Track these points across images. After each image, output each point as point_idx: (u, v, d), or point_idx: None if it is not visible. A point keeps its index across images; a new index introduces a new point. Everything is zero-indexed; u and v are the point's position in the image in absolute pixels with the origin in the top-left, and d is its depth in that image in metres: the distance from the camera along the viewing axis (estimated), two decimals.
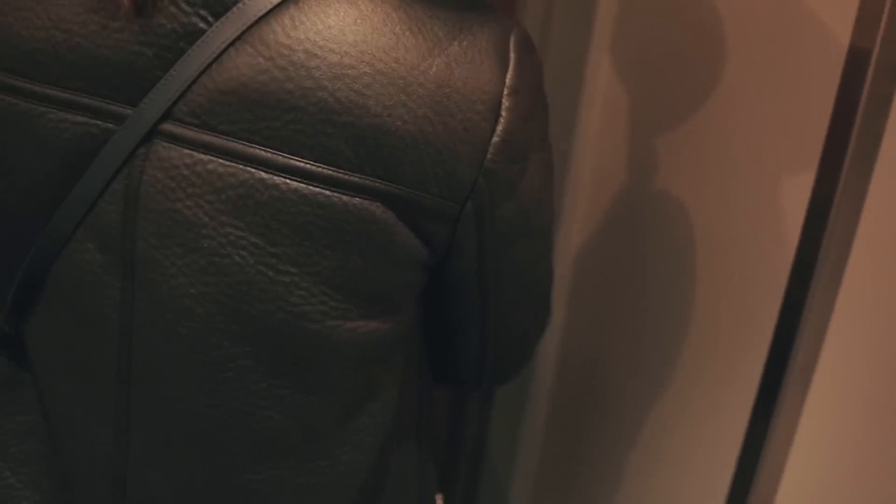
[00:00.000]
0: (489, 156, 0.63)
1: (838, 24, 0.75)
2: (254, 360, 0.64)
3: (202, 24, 0.59)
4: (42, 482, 0.72)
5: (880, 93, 0.71)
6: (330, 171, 0.60)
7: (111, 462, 0.69)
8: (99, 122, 0.61)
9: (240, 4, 0.59)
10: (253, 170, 0.60)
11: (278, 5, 0.59)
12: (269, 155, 0.60)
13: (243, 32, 0.59)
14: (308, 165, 0.60)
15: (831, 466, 0.87)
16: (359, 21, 0.60)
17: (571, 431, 1.39)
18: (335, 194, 0.60)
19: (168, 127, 0.60)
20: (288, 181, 0.60)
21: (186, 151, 0.60)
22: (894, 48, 0.71)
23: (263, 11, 0.59)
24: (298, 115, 0.59)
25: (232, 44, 0.59)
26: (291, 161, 0.60)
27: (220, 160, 0.60)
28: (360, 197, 0.61)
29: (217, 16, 0.59)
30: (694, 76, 1.03)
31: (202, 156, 0.60)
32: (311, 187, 0.60)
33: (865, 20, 0.71)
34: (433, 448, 0.86)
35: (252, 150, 0.60)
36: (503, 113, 0.62)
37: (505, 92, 0.62)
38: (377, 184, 0.61)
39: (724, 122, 0.98)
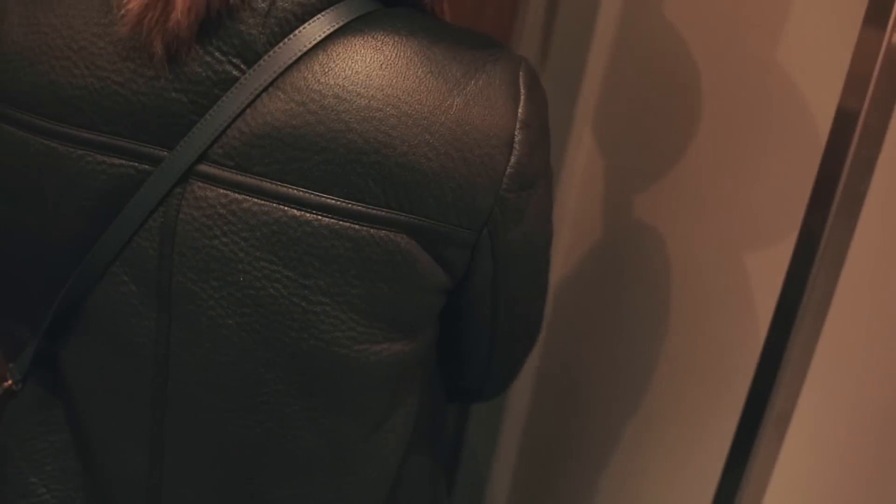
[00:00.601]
0: (504, 186, 0.67)
1: (826, 86, 0.75)
2: (287, 384, 0.68)
3: (235, 72, 0.63)
4: (76, 499, 0.75)
5: (865, 155, 0.71)
6: (359, 208, 0.64)
7: (146, 480, 0.73)
8: (136, 164, 0.64)
9: (271, 53, 0.63)
10: (286, 208, 0.63)
11: (307, 52, 0.63)
12: (301, 194, 0.63)
13: (275, 79, 0.63)
14: (339, 203, 0.63)
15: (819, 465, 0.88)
16: (384, 66, 0.64)
17: (547, 448, 1.40)
18: (364, 228, 0.64)
19: (204, 168, 0.64)
20: (320, 218, 0.64)
21: (222, 191, 0.64)
22: (882, 110, 0.71)
23: (294, 59, 0.63)
24: (329, 156, 0.63)
25: (265, 90, 0.63)
26: (323, 199, 0.63)
27: (255, 199, 0.64)
28: (386, 229, 0.64)
29: (249, 63, 0.63)
30: (678, 131, 1.03)
31: (237, 195, 0.64)
32: (341, 223, 0.64)
33: (854, 82, 0.71)
34: (444, 458, 0.90)
35: (285, 189, 0.63)
36: (516, 145, 0.67)
37: (517, 126, 0.67)
38: (402, 217, 0.65)
39: (709, 176, 0.98)
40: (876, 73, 0.70)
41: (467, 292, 0.73)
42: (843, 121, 0.71)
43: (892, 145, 0.74)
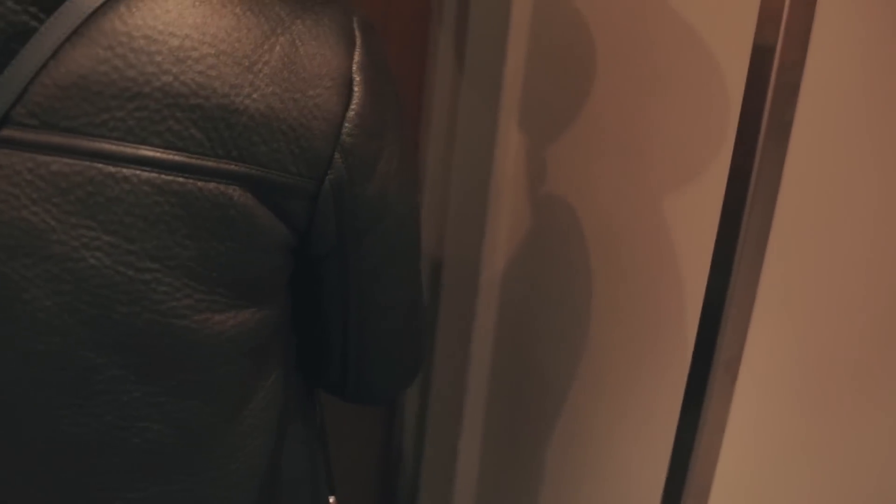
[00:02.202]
0: (345, 131, 0.63)
1: (741, 22, 0.77)
2: (123, 368, 0.61)
3: (33, 22, 0.57)
4: None
5: (787, 83, 0.72)
6: (182, 158, 0.58)
7: None
8: None
9: None
10: (100, 165, 0.57)
11: None
12: (115, 147, 0.57)
13: (79, 26, 0.57)
14: (158, 154, 0.58)
15: (762, 455, 0.88)
16: (197, 4, 0.59)
17: (507, 436, 1.39)
18: (190, 181, 0.58)
19: (6, 133, 0.57)
20: (139, 172, 0.58)
21: (27, 155, 0.57)
22: (798, 41, 0.73)
23: (99, 2, 0.57)
24: (143, 103, 0.57)
25: (68, 39, 0.57)
26: (140, 151, 0.57)
27: (65, 159, 0.57)
28: (215, 181, 0.59)
29: (48, 11, 0.57)
30: (599, 85, 1.04)
31: (44, 157, 0.57)
32: (163, 176, 0.58)
33: (767, 18, 0.72)
34: (325, 453, 0.85)
35: (97, 144, 0.57)
36: (355, 88, 0.63)
37: (354, 68, 0.63)
38: (232, 166, 0.59)
39: (636, 126, 0.99)
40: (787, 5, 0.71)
41: (313, 253, 0.68)
42: (761, 54, 0.72)
43: (813, 70, 0.75)
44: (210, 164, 0.59)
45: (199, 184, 0.59)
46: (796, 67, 0.74)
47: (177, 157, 0.58)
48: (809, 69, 0.74)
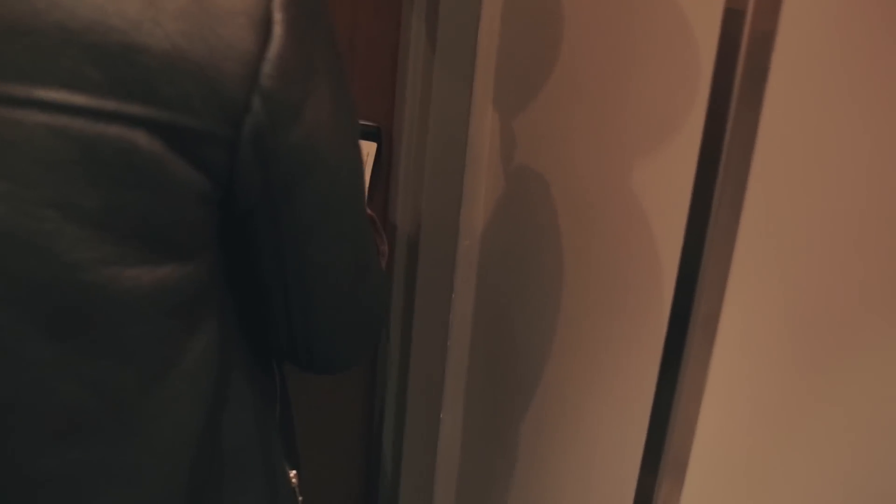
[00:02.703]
0: (263, 73, 0.57)
1: None
2: (30, 325, 0.58)
3: None
4: None
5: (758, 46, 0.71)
6: (80, 100, 0.54)
7: None
8: None
9: None
10: None
11: None
12: (5, 88, 0.53)
13: None
14: (53, 94, 0.53)
15: (742, 415, 0.87)
16: None
17: (487, 402, 1.38)
18: (89, 124, 0.54)
19: None
20: (32, 115, 0.53)
21: None
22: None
23: None
24: (35, 40, 0.53)
25: None
26: (34, 92, 0.53)
27: None
28: (118, 125, 0.55)
29: None
30: (578, 61, 1.02)
31: None
32: (60, 119, 0.54)
33: None
34: (287, 424, 0.81)
35: None
36: (274, 28, 0.57)
37: (274, 5, 0.57)
38: (135, 108, 0.55)
39: (612, 90, 0.97)
40: None
41: (239, 207, 0.63)
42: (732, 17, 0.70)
43: (785, 35, 0.73)
44: (110, 105, 0.54)
45: (100, 128, 0.54)
46: (768, 32, 0.72)
47: (73, 99, 0.53)
48: (782, 33, 0.72)
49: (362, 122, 1.33)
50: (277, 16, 0.57)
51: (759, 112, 0.77)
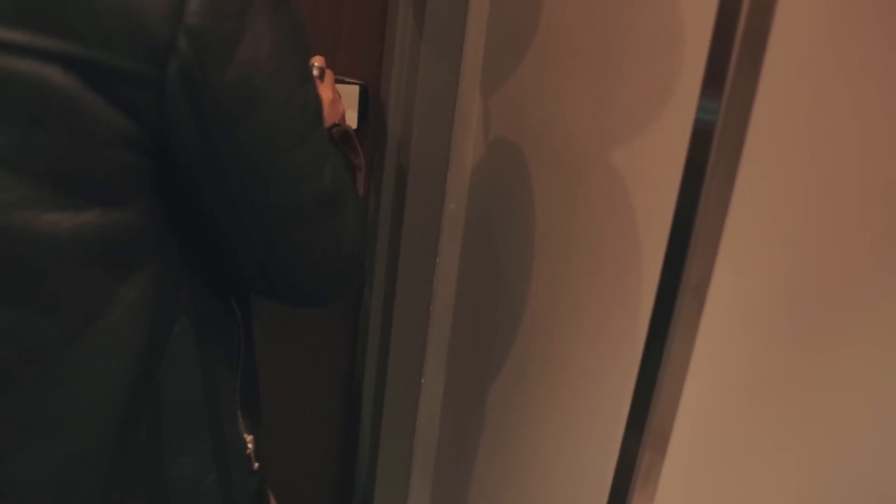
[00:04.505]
0: (189, 10, 0.55)
1: None
2: None
3: None
4: None
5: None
6: None
7: None
8: None
9: None
10: None
11: None
12: None
13: None
14: None
15: (728, 388, 0.86)
16: None
17: (469, 368, 1.37)
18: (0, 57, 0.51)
19: None
20: None
21: None
22: None
23: None
24: None
25: None
26: None
27: None
28: (30, 59, 0.52)
29: None
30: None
31: None
32: None
33: None
34: (247, 385, 0.78)
35: None
36: None
37: None
38: (48, 42, 0.52)
39: (607, 54, 0.95)
40: None
41: (175, 152, 0.61)
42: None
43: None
44: (21, 38, 0.52)
45: (10, 62, 0.52)
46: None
47: None
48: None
49: (348, 80, 1.30)
50: None
51: (757, 78, 0.75)
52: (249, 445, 0.78)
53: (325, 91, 0.96)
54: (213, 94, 0.58)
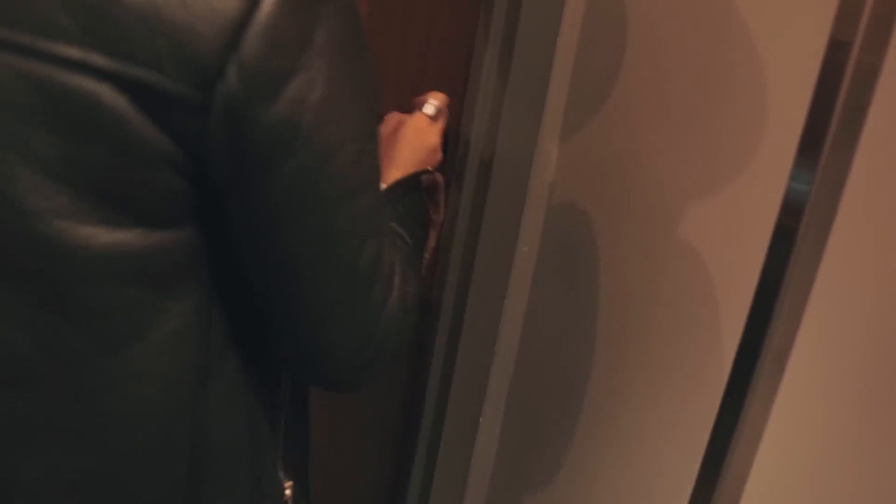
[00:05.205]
0: (245, 41, 0.55)
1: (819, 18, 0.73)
2: None
3: None
4: None
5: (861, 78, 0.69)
6: (48, 45, 0.54)
7: None
8: None
9: None
10: None
11: None
12: None
13: None
14: (24, 38, 0.53)
15: (803, 458, 0.85)
16: None
17: (529, 425, 1.36)
18: (53, 70, 0.54)
19: None
20: (1, 56, 0.54)
21: None
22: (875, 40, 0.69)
23: None
24: None
25: None
26: (5, 34, 0.54)
27: None
28: (82, 75, 0.54)
29: None
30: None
31: None
32: (27, 62, 0.54)
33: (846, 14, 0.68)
34: (291, 432, 0.77)
35: None
36: None
37: None
38: (101, 60, 0.54)
39: (703, 108, 0.95)
40: None
41: (215, 181, 0.60)
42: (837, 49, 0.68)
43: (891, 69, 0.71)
44: (77, 55, 0.54)
45: (64, 76, 0.54)
46: (873, 65, 0.70)
47: (43, 44, 0.53)
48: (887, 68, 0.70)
49: None
50: None
51: (856, 138, 0.75)
52: (287, 492, 0.78)
53: (432, 135, 0.95)
54: (254, 128, 0.58)
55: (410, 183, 0.89)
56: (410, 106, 0.98)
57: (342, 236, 0.64)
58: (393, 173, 0.89)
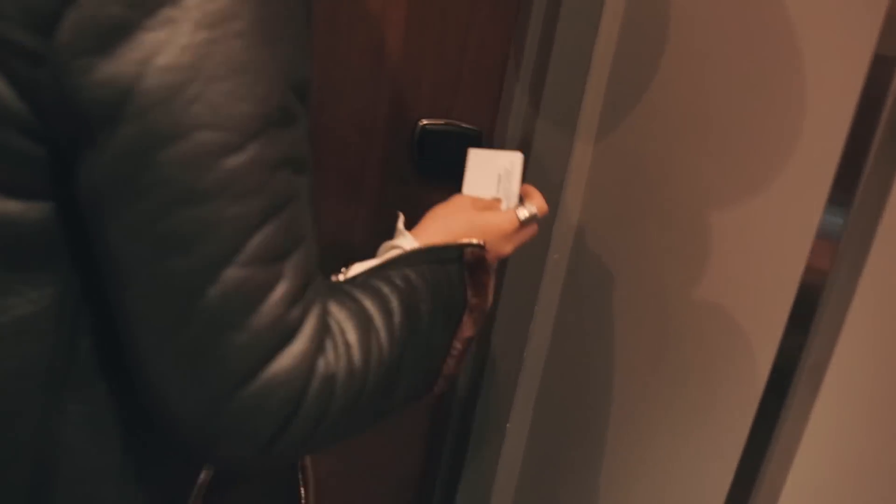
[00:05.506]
0: None
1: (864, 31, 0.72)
2: None
3: None
4: None
5: None
6: None
7: None
8: None
9: None
10: None
11: None
12: None
13: None
14: None
15: (837, 473, 0.84)
16: None
17: (556, 434, 1.35)
18: None
19: None
20: None
21: None
22: None
23: None
24: None
25: None
26: None
27: None
28: None
29: None
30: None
31: None
32: None
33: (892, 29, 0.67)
34: (197, 471, 0.67)
35: None
36: None
37: None
38: None
39: (742, 129, 0.94)
40: None
41: (54, 140, 0.53)
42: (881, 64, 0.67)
43: None
44: None
45: None
46: None
47: None
48: None
49: (466, 125, 1.31)
50: None
51: (889, 190, 0.74)
52: None
53: (509, 244, 0.86)
54: (82, 86, 0.51)
55: (449, 252, 0.76)
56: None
57: (178, 245, 0.52)
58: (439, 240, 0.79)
